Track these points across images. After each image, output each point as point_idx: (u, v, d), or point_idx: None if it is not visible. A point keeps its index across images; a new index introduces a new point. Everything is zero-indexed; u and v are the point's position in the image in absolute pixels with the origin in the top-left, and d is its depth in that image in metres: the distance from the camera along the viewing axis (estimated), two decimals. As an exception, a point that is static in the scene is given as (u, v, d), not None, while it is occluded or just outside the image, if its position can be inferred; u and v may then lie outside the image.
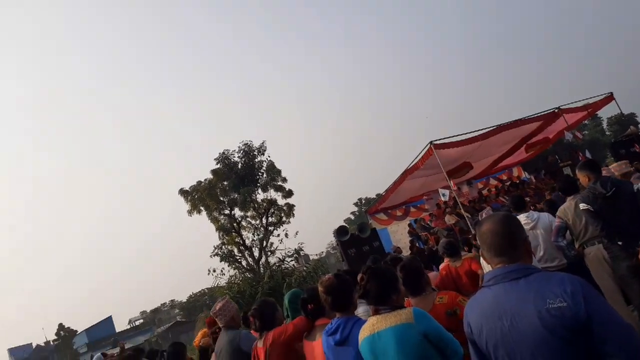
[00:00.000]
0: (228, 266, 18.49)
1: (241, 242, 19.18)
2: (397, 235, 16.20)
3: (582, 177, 4.36)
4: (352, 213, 72.61)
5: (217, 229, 19.25)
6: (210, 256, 18.74)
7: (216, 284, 17.24)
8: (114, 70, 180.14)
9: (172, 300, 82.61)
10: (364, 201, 68.59)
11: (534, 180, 14.67)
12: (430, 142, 10.64)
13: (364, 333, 2.29)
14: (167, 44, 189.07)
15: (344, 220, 65.43)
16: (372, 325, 2.25)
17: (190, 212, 19.42)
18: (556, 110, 12.07)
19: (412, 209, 16.88)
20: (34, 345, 76.65)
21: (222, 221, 19.47)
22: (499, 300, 1.59)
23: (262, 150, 19.98)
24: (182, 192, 19.49)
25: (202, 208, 19.32)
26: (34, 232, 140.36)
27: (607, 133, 50.94)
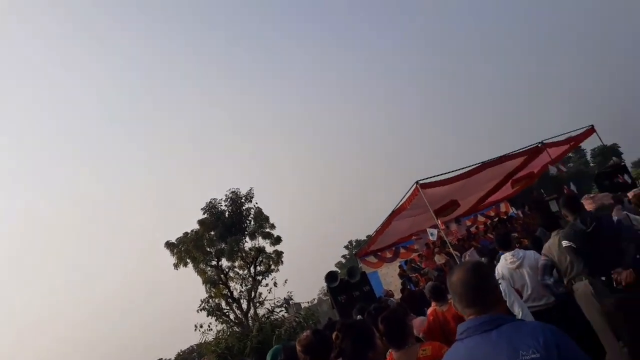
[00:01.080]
0: (215, 320, 17.94)
1: (229, 294, 18.71)
2: (388, 277, 15.89)
3: (564, 214, 4.35)
4: (344, 256, 71.74)
5: (204, 282, 18.81)
6: (197, 311, 18.24)
7: (203, 340, 16.62)
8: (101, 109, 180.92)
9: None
10: (354, 243, 68.00)
11: (521, 216, 14.65)
12: (416, 182, 10.62)
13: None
14: (149, 84, 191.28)
15: (336, 264, 64.53)
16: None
17: (176, 266, 19.03)
18: (539, 145, 12.20)
19: (402, 250, 16.66)
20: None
21: (209, 273, 19.09)
22: (472, 353, 1.55)
23: (249, 197, 19.90)
24: (168, 244, 19.19)
25: (188, 260, 18.97)
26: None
27: (591, 164, 51.89)
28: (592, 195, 5.86)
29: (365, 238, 44.90)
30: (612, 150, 40.53)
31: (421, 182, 10.65)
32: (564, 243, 4.19)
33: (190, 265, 18.87)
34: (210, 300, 18.35)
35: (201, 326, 16.97)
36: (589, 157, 54.14)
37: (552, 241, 4.69)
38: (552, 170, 12.93)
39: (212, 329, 16.85)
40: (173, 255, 18.94)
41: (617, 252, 3.92)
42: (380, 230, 14.11)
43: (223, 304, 18.57)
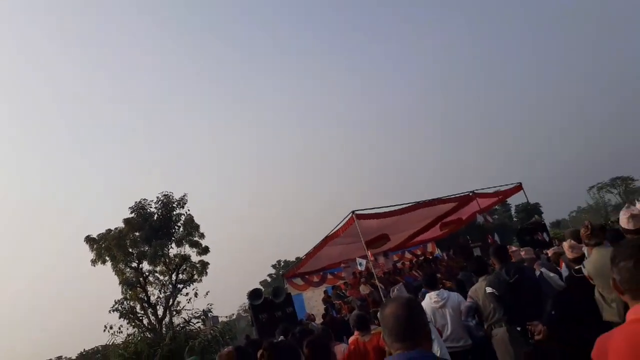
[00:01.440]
0: (127, 323, 17.03)
1: (145, 298, 17.87)
2: (312, 301, 15.92)
3: (492, 261, 4.61)
4: (270, 275, 71.00)
5: (120, 283, 17.88)
6: (109, 311, 17.26)
7: (112, 342, 15.67)
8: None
9: (59, 357, 73.97)
10: (282, 263, 67.57)
11: (445, 258, 15.30)
12: (353, 212, 10.85)
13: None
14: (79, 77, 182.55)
15: (260, 282, 63.75)
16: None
17: (94, 262, 18.03)
18: (470, 194, 12.92)
19: (329, 276, 16.80)
20: None
21: (128, 274, 18.17)
22: None
23: (182, 203, 19.30)
24: (89, 239, 18.18)
25: (107, 258, 18.02)
26: None
27: (514, 219, 55.17)
28: (519, 248, 6.25)
29: (294, 259, 44.77)
30: (534, 209, 43.40)
31: (357, 212, 10.90)
32: (488, 289, 4.42)
33: (109, 263, 17.94)
34: (125, 302, 17.47)
35: (111, 327, 16.03)
36: (513, 212, 57.64)
37: (479, 285, 4.91)
38: (480, 219, 13.70)
39: (122, 332, 15.95)
40: (92, 251, 17.97)
41: (535, 305, 4.20)
42: (312, 254, 14.18)
43: (138, 307, 17.73)
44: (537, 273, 4.82)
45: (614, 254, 1.61)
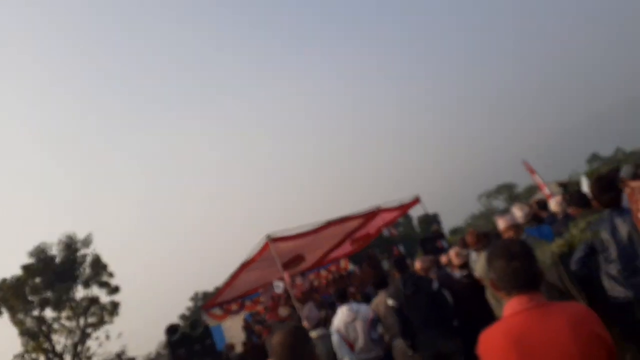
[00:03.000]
0: (30, 379, 15.57)
1: (50, 348, 16.45)
2: (232, 331, 15.71)
3: (392, 273, 5.06)
4: (188, 308, 67.87)
5: (20, 334, 16.30)
6: (8, 367, 15.61)
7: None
8: None
9: None
10: (200, 295, 65.00)
11: (357, 272, 15.97)
12: (267, 236, 11.03)
13: None
14: None
15: (179, 316, 60.67)
16: None
17: (-13, 315, 16.24)
18: (375, 210, 13.72)
19: (248, 302, 16.71)
20: None
21: (29, 324, 16.61)
22: None
23: (87, 242, 18.14)
24: (-19, 291, 16.36)
25: (3, 310, 16.35)
26: None
27: (417, 230, 58.29)
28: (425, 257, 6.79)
29: (213, 290, 43.43)
30: (434, 219, 46.28)
31: (272, 236, 11.13)
32: (389, 301, 4.80)
33: (5, 315, 16.27)
34: (26, 355, 15.90)
35: (12, 384, 14.55)
36: (415, 222, 60.87)
37: (380, 299, 5.27)
38: (386, 232, 14.60)
39: (25, 388, 14.55)
40: (-16, 303, 16.17)
41: (431, 316, 4.55)
42: (229, 283, 14.10)
43: (42, 359, 16.22)
44: (437, 283, 5.11)
45: (489, 255, 1.80)
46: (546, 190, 10.06)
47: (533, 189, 54.74)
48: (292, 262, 13.84)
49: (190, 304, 68.51)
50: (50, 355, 16.29)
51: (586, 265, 3.65)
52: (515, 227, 4.46)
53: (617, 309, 3.40)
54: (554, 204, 5.49)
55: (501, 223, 4.57)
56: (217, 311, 15.99)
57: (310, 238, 12.68)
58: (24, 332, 16.20)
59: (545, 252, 3.89)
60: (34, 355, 16.21)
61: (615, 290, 3.44)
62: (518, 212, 4.97)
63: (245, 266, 12.60)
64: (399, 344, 4.97)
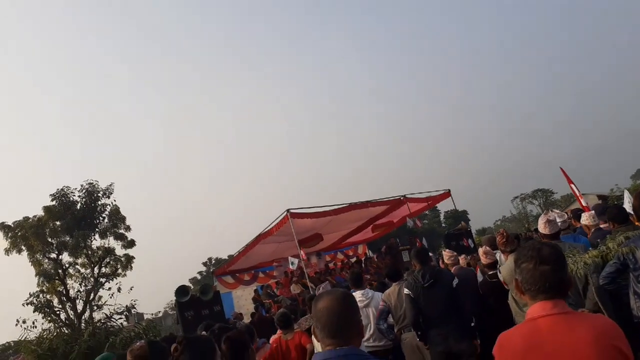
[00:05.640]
0: (43, 318, 15.89)
1: (64, 292, 16.76)
2: (242, 300, 15.71)
3: (413, 264, 4.74)
4: (200, 272, 69.28)
5: (37, 274, 16.67)
6: (23, 304, 16.01)
7: (24, 337, 14.54)
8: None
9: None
10: (213, 261, 66.13)
11: (375, 259, 15.67)
12: (287, 210, 10.83)
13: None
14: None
15: (190, 280, 61.96)
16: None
17: (7, 251, 16.62)
18: (402, 198, 13.30)
19: (261, 275, 16.66)
20: None
21: (46, 265, 16.97)
22: None
23: (108, 193, 18.27)
24: (3, 226, 16.75)
25: (23, 248, 16.73)
26: None
27: (443, 225, 57.57)
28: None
29: (226, 257, 43.97)
30: (462, 216, 45.51)
31: (292, 210, 10.90)
32: (405, 291, 4.53)
33: (24, 253, 16.66)
34: (41, 295, 16.25)
35: (24, 322, 14.87)
36: (442, 217, 60.13)
37: (393, 289, 5.03)
38: (410, 222, 14.16)
39: (36, 327, 14.84)
40: (6, 240, 16.59)
41: (447, 310, 4.29)
42: (244, 252, 14.00)
43: (55, 301, 16.57)
44: (456, 280, 4.96)
45: (517, 256, 1.70)
46: (582, 202, 9.44)
47: (570, 198, 53.35)
48: (309, 240, 13.59)
49: (202, 268, 69.92)
50: (64, 299, 16.68)
51: (615, 281, 3.47)
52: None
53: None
54: (584, 217, 5.19)
55: (545, 224, 4.23)
56: (229, 279, 15.97)
57: (331, 218, 12.41)
58: (41, 273, 16.61)
59: (578, 261, 3.64)
60: (48, 296, 16.63)
61: (641, 311, 3.20)
62: (558, 218, 4.72)
63: (261, 237, 12.44)
64: (408, 337, 4.78)
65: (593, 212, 5.23)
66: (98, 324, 14.73)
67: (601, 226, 4.82)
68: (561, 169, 9.85)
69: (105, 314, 15.87)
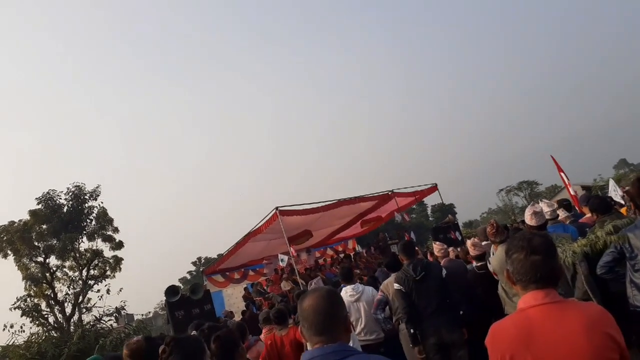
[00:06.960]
0: (31, 322, 15.77)
1: (52, 295, 16.62)
2: (232, 298, 15.68)
3: (401, 257, 4.79)
4: (189, 272, 68.88)
5: (24, 278, 16.51)
6: (10, 309, 15.87)
7: (12, 342, 14.37)
8: None
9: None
10: (203, 260, 65.76)
11: (365, 254, 15.75)
12: (276, 208, 10.83)
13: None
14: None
15: (180, 280, 61.57)
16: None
17: (-7, 256, 16.47)
18: (389, 193, 13.38)
19: (251, 272, 16.65)
20: None
21: (32, 269, 16.81)
22: None
23: (95, 195, 18.14)
24: (-12, 231, 16.56)
25: (9, 252, 16.56)
26: None
27: (430, 218, 57.86)
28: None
29: (215, 256, 43.81)
30: (449, 209, 45.76)
31: (280, 208, 10.90)
32: (395, 286, 4.58)
33: (10, 257, 16.51)
34: (29, 299, 16.16)
35: (12, 326, 14.74)
36: (429, 211, 60.43)
37: (391, 280, 5.05)
38: (398, 217, 14.24)
39: (24, 331, 14.71)
40: (-8, 244, 16.41)
41: (440, 301, 4.36)
42: (233, 250, 13.98)
43: (43, 305, 16.47)
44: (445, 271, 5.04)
45: (508, 247, 1.71)
46: (571, 190, 9.56)
47: (555, 189, 53.97)
48: (299, 237, 13.62)
49: (192, 268, 69.53)
50: (51, 302, 16.55)
51: (613, 270, 3.48)
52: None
53: (637, 318, 3.26)
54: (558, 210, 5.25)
55: (531, 216, 4.31)
56: (219, 278, 15.94)
57: (320, 215, 12.44)
58: (28, 277, 16.46)
59: (567, 250, 3.74)
60: (36, 300, 16.48)
61: (638, 299, 3.25)
62: (545, 207, 4.80)
63: (251, 235, 12.42)
64: (405, 328, 4.81)
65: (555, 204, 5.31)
66: (87, 327, 14.66)
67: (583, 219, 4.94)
68: (552, 157, 9.98)
69: (95, 316, 15.82)
